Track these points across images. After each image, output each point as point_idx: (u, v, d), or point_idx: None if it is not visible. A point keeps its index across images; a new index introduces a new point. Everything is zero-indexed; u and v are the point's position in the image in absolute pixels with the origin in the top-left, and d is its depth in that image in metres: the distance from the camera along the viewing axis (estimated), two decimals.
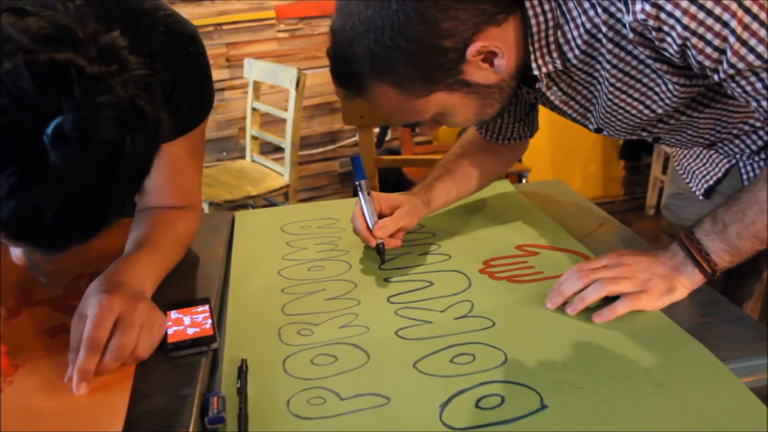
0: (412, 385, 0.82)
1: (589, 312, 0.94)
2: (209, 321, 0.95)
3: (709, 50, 0.83)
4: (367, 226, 1.14)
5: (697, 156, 1.25)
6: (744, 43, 0.81)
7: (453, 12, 0.89)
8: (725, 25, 0.81)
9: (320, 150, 3.51)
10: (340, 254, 1.20)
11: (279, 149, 3.03)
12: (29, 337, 0.96)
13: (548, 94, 1.05)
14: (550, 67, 0.98)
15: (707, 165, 1.23)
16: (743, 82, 0.86)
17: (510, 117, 1.26)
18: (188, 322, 0.95)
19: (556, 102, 1.07)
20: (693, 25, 0.81)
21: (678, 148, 1.30)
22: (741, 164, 1.14)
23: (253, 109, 3.07)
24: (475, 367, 0.84)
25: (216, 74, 3.18)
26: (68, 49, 0.67)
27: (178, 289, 1.08)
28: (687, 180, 1.28)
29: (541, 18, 0.94)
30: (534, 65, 0.98)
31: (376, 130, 3.18)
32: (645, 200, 3.76)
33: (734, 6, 0.80)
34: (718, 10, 0.80)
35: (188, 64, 1.05)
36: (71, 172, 0.66)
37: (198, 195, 1.20)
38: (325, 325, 0.97)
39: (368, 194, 1.15)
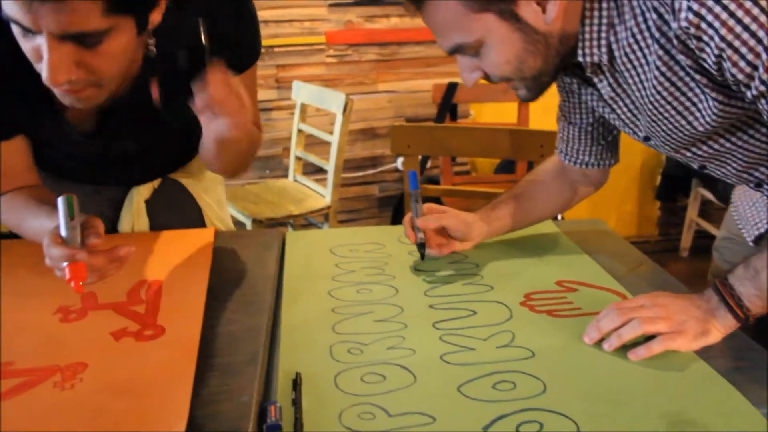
0: (456, 407, 0.87)
1: (625, 349, 0.99)
2: None
3: (742, 64, 0.86)
4: (412, 226, 1.27)
5: (753, 204, 1.28)
6: None
7: None
8: (759, 41, 0.84)
9: (360, 174, 3.58)
10: (387, 279, 1.25)
11: (320, 170, 3.11)
12: (96, 339, 1.02)
13: (597, 83, 1.09)
14: (596, 59, 1.03)
15: (760, 212, 1.26)
16: None
17: (589, 138, 1.29)
18: None
19: (606, 97, 1.11)
20: (729, 37, 0.85)
21: (735, 193, 1.34)
22: None
23: (299, 131, 3.15)
24: (515, 395, 0.90)
25: (264, 95, 3.28)
26: None
27: (234, 302, 1.14)
28: (740, 226, 1.31)
29: (596, 13, 0.99)
30: (580, 52, 1.03)
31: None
32: (680, 242, 3.77)
33: None
34: (754, 27, 0.84)
35: (244, 12, 1.22)
36: None
37: (258, 118, 1.35)
38: (374, 345, 1.03)
39: (416, 201, 1.28)
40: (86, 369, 0.95)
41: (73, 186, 1.42)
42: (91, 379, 0.92)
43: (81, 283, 0.98)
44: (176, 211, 1.51)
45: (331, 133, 2.93)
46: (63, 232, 1.00)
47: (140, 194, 1.46)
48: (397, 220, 3.49)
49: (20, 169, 1.23)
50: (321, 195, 3.02)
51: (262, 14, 3.19)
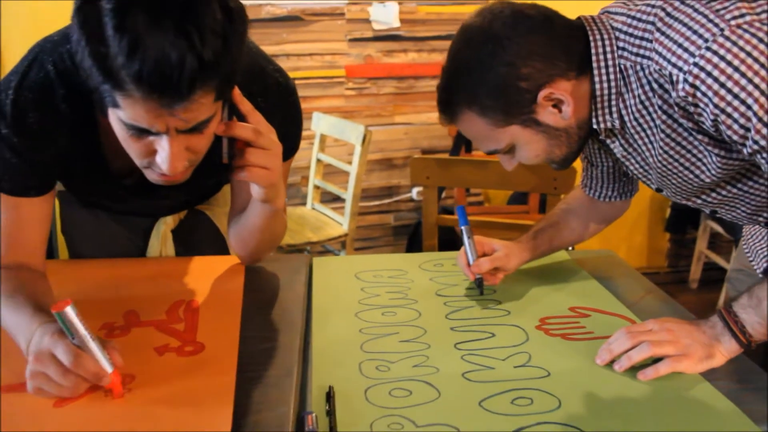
0: (478, 419, 0.95)
1: (634, 370, 1.06)
2: None
3: (735, 127, 0.98)
4: (468, 263, 1.34)
5: (763, 238, 1.36)
6: (765, 124, 0.96)
7: (531, 62, 1.09)
8: (749, 107, 0.96)
9: (376, 203, 3.66)
10: (410, 303, 1.33)
11: (338, 199, 3.19)
12: (140, 353, 1.10)
13: (610, 144, 1.21)
14: (609, 125, 1.15)
15: None
16: None
17: (610, 177, 1.40)
18: None
19: (619, 155, 1.22)
20: (722, 104, 0.97)
21: (746, 228, 1.42)
22: None
23: (318, 160, 3.24)
24: (533, 409, 0.97)
25: None
26: None
27: (267, 321, 1.23)
28: (751, 258, 1.39)
29: (605, 85, 1.11)
30: (594, 121, 1.15)
31: None
32: (689, 273, 3.82)
33: (756, 93, 0.95)
34: (743, 95, 0.96)
35: (291, 110, 1.30)
36: None
37: (285, 202, 1.39)
38: (400, 363, 1.10)
39: (469, 238, 1.35)
40: (134, 380, 1.02)
41: (103, 212, 1.52)
42: (140, 390, 1.00)
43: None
44: (201, 239, 1.60)
45: (349, 163, 3.02)
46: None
47: (167, 224, 1.55)
48: (412, 248, 3.56)
49: (32, 244, 1.22)
50: (339, 223, 3.10)
51: (284, 48, 3.33)
